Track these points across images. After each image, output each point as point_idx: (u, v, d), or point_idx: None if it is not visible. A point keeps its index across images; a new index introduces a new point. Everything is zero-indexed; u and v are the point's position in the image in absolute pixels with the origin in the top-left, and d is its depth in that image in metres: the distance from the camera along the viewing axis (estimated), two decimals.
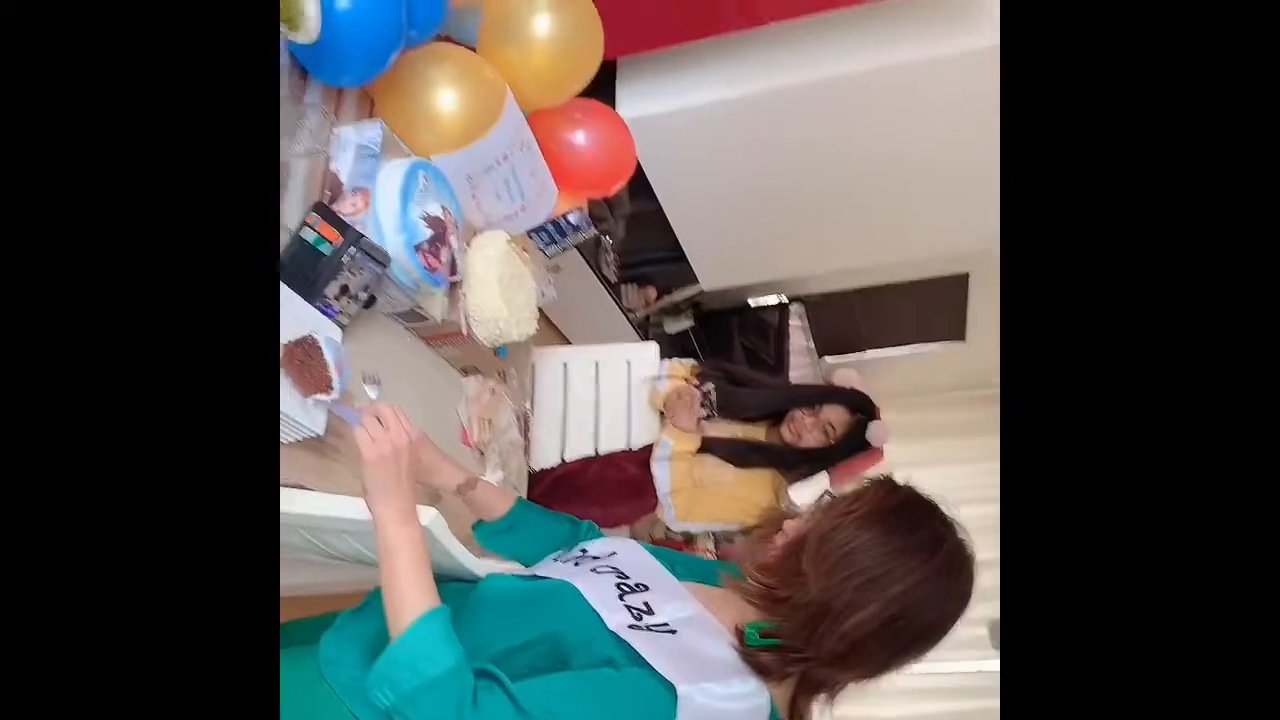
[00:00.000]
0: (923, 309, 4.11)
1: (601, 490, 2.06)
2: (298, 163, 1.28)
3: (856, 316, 4.10)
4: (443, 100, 1.45)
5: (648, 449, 2.13)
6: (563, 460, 2.17)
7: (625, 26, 1.87)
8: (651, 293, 3.56)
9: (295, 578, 1.48)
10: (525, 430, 1.89)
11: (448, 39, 1.58)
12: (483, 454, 1.71)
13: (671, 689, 0.91)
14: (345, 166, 1.37)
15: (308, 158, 1.28)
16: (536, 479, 2.08)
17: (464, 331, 1.55)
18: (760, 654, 0.97)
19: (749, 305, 4.06)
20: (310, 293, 1.25)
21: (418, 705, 0.90)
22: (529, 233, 1.60)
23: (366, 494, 1.05)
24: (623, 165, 1.81)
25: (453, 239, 1.44)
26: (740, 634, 1.00)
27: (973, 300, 3.99)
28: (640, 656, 0.94)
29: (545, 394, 2.16)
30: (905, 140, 2.81)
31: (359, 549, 1.29)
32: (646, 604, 1.04)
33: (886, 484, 1.01)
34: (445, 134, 1.46)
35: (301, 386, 1.17)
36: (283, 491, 1.17)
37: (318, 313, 1.24)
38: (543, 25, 1.53)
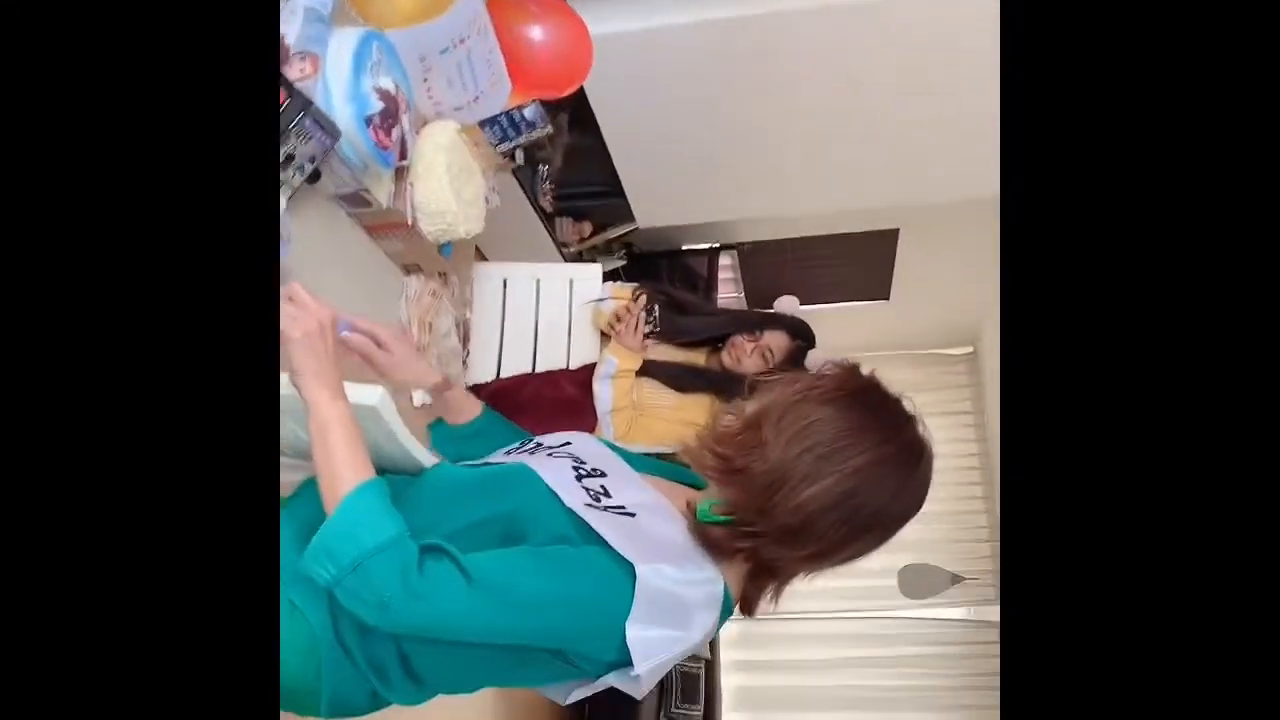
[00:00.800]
0: (851, 265, 4.15)
1: (539, 408, 2.01)
2: None
3: (787, 269, 4.11)
4: None
5: (586, 370, 2.09)
6: (498, 376, 2.12)
7: None
8: (586, 227, 3.49)
9: None
10: (464, 339, 1.83)
11: None
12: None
13: (629, 568, 0.89)
14: (293, 29, 1.27)
15: None
16: (472, 393, 2.01)
17: (409, 222, 1.47)
18: (711, 529, 0.95)
19: (681, 250, 4.03)
20: None
21: (359, 575, 0.85)
22: (481, 124, 1.53)
23: (294, 374, 0.98)
24: (579, 66, 1.75)
25: (405, 118, 1.36)
26: (691, 510, 0.98)
27: (900, 258, 4.04)
28: (597, 535, 0.91)
29: (484, 308, 2.09)
30: (858, 84, 2.79)
31: (295, 433, 1.21)
32: (604, 488, 1.01)
33: (851, 368, 0.99)
34: (401, 6, 1.37)
35: None
36: None
37: None
38: None
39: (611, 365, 1.98)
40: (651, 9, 2.52)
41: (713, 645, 4.10)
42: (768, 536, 0.93)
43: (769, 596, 1.04)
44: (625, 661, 0.90)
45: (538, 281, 2.19)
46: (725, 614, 0.98)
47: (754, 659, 4.42)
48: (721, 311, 2.32)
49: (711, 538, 0.96)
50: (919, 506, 0.97)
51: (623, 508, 0.97)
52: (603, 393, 1.98)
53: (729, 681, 4.30)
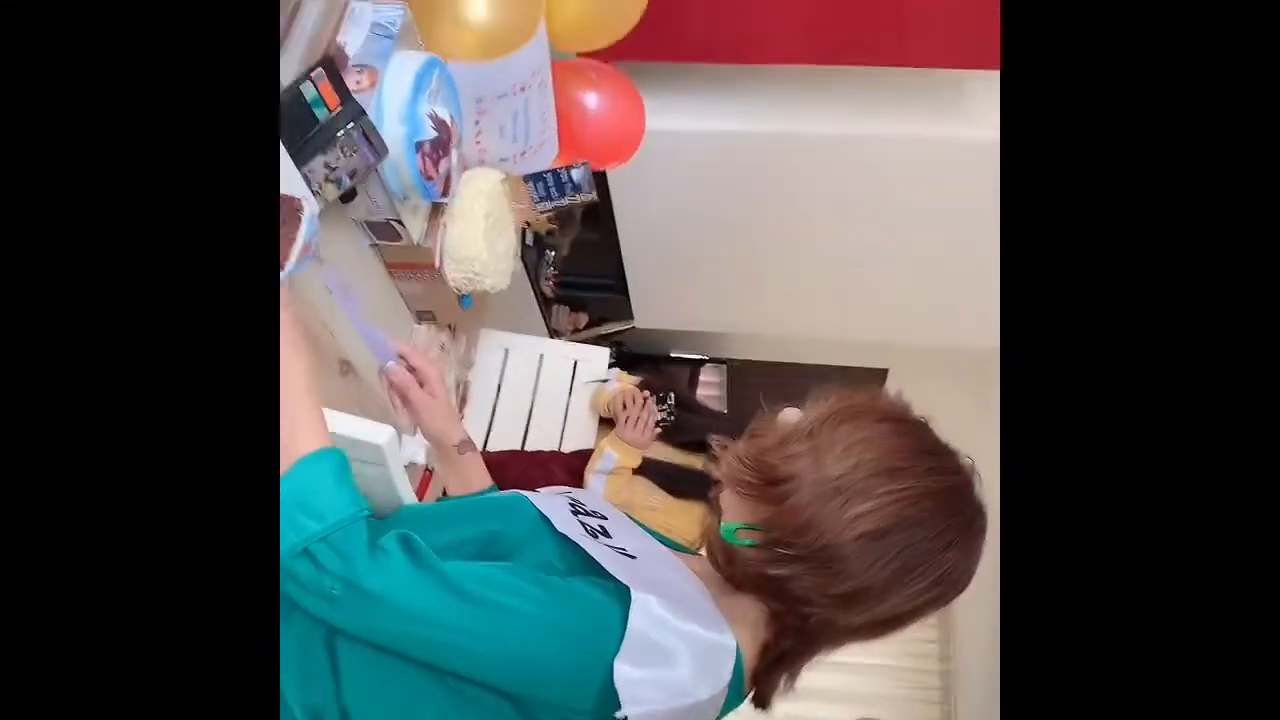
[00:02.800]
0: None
1: (524, 489, 1.86)
2: (309, 9, 1.11)
3: (774, 392, 4.05)
4: (475, 4, 1.31)
5: (578, 455, 1.96)
6: (484, 448, 1.98)
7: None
8: (582, 318, 3.42)
9: None
10: (461, 401, 1.70)
11: None
12: None
13: (622, 601, 0.75)
14: (354, 41, 1.21)
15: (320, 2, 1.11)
16: None
17: (435, 264, 1.37)
18: (738, 551, 0.81)
19: (668, 357, 3.97)
20: (293, 160, 1.07)
21: (305, 561, 0.72)
22: (526, 178, 1.45)
23: None
24: (628, 143, 1.70)
25: (454, 153, 1.28)
26: (714, 534, 0.84)
27: None
28: (589, 564, 0.79)
29: (480, 375, 1.97)
30: (875, 220, 2.81)
31: None
32: (603, 528, 0.88)
33: (901, 400, 0.87)
34: (469, 41, 1.31)
35: None
36: None
37: (303, 180, 1.05)
38: None
39: (610, 460, 1.86)
40: (681, 112, 2.53)
41: None
42: (806, 562, 0.78)
43: (786, 678, 0.89)
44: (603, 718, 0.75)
45: (541, 356, 2.08)
46: (735, 692, 0.82)
47: None
48: (724, 417, 2.22)
49: (737, 559, 0.82)
50: (971, 573, 0.84)
51: (624, 549, 0.84)
52: (595, 487, 1.85)
53: None
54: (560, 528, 0.83)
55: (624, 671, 0.73)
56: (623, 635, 0.74)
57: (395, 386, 1.09)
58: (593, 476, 1.87)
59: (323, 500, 0.74)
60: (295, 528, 0.72)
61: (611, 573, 0.77)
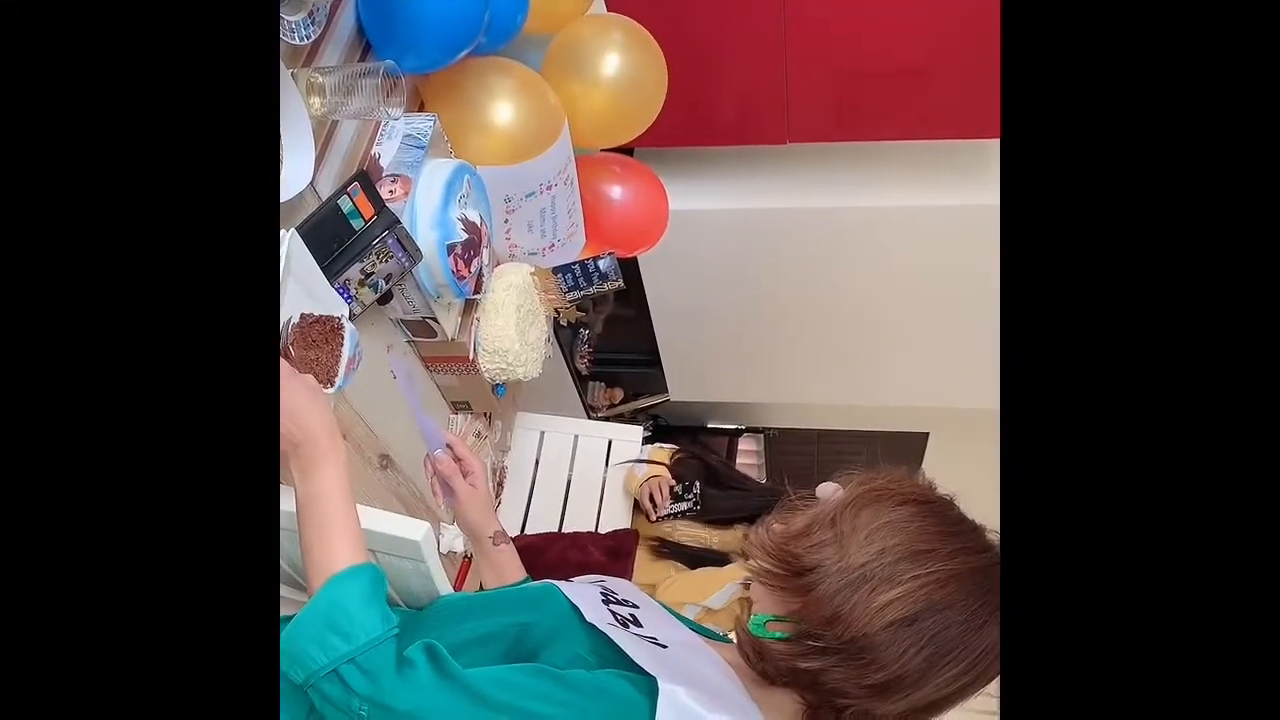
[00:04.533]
0: (876, 463, 4.07)
1: (563, 571, 1.85)
2: (345, 126, 1.18)
3: (812, 459, 4.04)
4: (501, 112, 1.38)
5: (615, 535, 1.97)
6: (523, 531, 2.01)
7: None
8: (618, 394, 3.46)
9: None
10: (498, 486, 1.74)
11: None
12: None
13: (651, 692, 0.75)
14: (388, 152, 1.28)
15: (358, 119, 1.18)
16: None
17: (470, 357, 1.42)
18: (767, 645, 0.81)
19: (705, 428, 3.98)
20: (330, 269, 1.13)
21: (332, 681, 0.75)
22: (555, 270, 1.51)
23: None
24: (653, 229, 1.75)
25: (485, 253, 1.34)
26: (742, 628, 0.84)
27: (928, 462, 3.98)
28: (619, 655, 0.79)
29: (517, 459, 2.01)
30: (904, 287, 2.83)
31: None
32: (634, 617, 0.89)
33: (925, 481, 0.86)
34: (496, 147, 1.38)
35: (300, 368, 1.02)
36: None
37: (339, 295, 1.11)
38: (612, 65, 1.49)
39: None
40: (706, 192, 2.61)
41: None
42: (836, 653, 0.78)
43: None
44: None
45: (576, 438, 2.12)
46: None
47: None
48: (757, 488, 2.21)
49: (768, 654, 0.81)
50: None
51: (654, 639, 0.85)
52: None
53: None
54: (590, 618, 0.84)
55: None
56: None
57: (440, 474, 1.13)
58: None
59: (352, 621, 0.76)
60: (324, 649, 0.74)
61: (639, 663, 0.78)
